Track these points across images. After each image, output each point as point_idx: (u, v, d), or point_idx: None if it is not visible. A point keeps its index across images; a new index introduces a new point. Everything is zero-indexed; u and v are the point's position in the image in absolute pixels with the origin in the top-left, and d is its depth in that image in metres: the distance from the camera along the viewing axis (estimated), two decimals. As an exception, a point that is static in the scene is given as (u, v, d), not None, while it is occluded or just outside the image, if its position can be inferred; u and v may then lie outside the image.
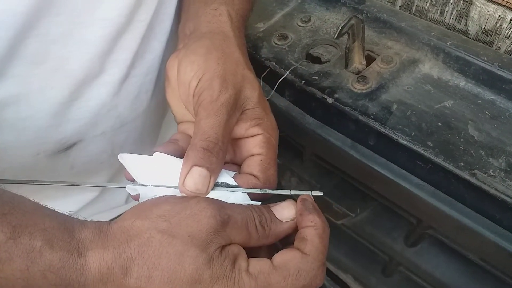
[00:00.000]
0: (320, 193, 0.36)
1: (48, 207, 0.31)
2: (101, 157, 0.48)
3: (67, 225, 0.30)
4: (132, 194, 0.35)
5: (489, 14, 0.55)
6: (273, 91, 0.54)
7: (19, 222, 0.28)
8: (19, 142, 0.41)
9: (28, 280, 0.28)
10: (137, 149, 0.36)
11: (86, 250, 0.29)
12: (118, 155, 0.36)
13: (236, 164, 0.39)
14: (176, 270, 0.29)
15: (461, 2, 0.57)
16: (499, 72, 0.50)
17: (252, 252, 0.33)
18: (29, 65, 0.37)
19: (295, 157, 0.67)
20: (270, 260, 0.32)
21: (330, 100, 0.52)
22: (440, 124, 0.48)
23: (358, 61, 0.54)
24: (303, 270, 0.31)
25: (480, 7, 0.56)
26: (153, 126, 0.54)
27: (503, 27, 0.55)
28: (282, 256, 0.32)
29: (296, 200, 0.35)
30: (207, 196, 0.34)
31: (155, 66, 0.47)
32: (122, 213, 0.33)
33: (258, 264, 0.31)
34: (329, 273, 0.78)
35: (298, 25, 0.61)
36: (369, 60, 0.55)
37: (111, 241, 0.30)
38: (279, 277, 0.30)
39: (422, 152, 0.46)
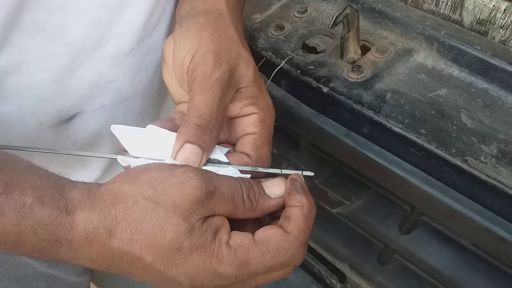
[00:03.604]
0: (311, 173, 0.36)
1: (41, 167, 0.32)
2: (102, 132, 0.49)
3: (58, 184, 0.31)
4: (124, 165, 0.36)
5: (484, 4, 0.56)
6: (269, 80, 0.55)
7: (11, 179, 0.29)
8: (22, 111, 0.42)
9: (19, 234, 0.29)
10: None
11: (75, 209, 0.30)
12: (111, 126, 0.37)
13: (231, 144, 0.39)
14: (157, 236, 0.30)
15: (456, -8, 0.57)
16: (492, 61, 0.50)
17: (238, 225, 0.34)
18: (29, 33, 0.38)
19: (292, 147, 0.68)
20: (253, 235, 0.32)
21: (325, 89, 0.52)
22: (433, 112, 0.49)
23: (353, 51, 0.55)
24: (283, 248, 0.31)
25: (474, -3, 0.56)
26: (154, 106, 0.55)
27: (497, 17, 0.56)
28: (264, 232, 0.32)
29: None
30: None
31: (158, 46, 0.48)
32: None
33: (239, 238, 0.31)
34: (326, 262, 0.79)
35: (295, 16, 0.62)
36: (364, 50, 0.56)
37: (98, 203, 0.31)
38: (257, 252, 0.31)
39: (415, 139, 0.47)
